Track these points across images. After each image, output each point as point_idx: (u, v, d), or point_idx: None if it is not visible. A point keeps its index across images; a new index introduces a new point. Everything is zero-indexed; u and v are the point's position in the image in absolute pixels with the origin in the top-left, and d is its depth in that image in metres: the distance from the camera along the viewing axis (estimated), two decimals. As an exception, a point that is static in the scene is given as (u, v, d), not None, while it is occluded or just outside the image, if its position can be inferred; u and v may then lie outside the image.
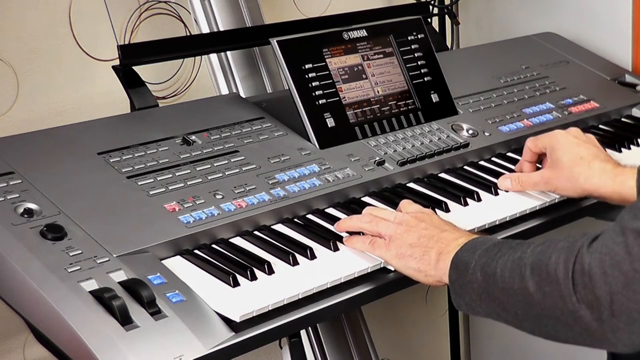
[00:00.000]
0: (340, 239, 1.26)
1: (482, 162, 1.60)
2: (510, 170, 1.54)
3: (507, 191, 1.45)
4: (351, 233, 1.27)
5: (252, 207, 1.29)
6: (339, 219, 1.33)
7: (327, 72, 1.52)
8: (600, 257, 0.94)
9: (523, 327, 1.06)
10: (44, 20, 1.67)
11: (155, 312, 1.04)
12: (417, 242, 1.19)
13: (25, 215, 1.16)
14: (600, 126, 1.83)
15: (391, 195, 1.42)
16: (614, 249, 0.94)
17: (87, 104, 1.74)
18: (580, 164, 1.35)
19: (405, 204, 1.29)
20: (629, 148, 1.72)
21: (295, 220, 1.32)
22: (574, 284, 0.96)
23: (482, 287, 1.07)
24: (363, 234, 1.25)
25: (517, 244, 1.08)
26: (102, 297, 1.03)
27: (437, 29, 2.20)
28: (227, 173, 1.34)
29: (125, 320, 1.02)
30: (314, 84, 1.50)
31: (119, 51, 1.50)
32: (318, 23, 1.69)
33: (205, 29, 1.69)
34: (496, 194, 1.46)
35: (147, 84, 1.54)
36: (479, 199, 1.43)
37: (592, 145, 1.39)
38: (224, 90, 1.69)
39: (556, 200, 1.44)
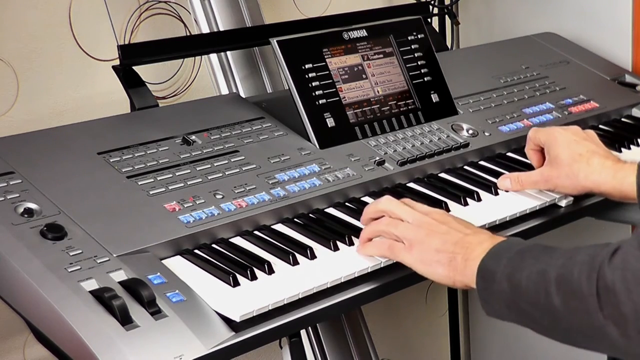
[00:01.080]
0: (341, 238, 1.26)
1: (482, 162, 1.60)
2: (511, 170, 1.54)
3: (506, 191, 1.45)
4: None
5: (252, 207, 1.29)
6: (339, 219, 1.34)
7: (327, 72, 1.52)
8: (623, 274, 0.94)
9: (554, 338, 1.06)
10: (44, 20, 1.67)
11: (156, 312, 1.04)
12: (443, 247, 1.17)
13: (25, 215, 1.16)
14: (600, 126, 1.83)
15: (391, 195, 1.42)
16: (635, 265, 0.94)
17: (87, 104, 1.74)
18: (579, 161, 1.35)
19: (408, 203, 1.28)
20: (629, 148, 1.72)
21: (295, 220, 1.32)
22: (599, 301, 0.96)
23: (509, 298, 1.07)
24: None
25: (539, 253, 1.07)
26: (102, 296, 1.03)
27: (437, 29, 2.20)
28: (227, 173, 1.34)
29: (125, 320, 1.01)
30: (314, 84, 1.50)
31: (119, 51, 1.50)
32: (318, 23, 1.69)
33: (205, 29, 1.69)
34: (496, 194, 1.46)
35: (147, 84, 1.54)
36: (479, 199, 1.43)
37: (591, 142, 1.39)
38: (224, 90, 1.69)
39: (556, 200, 1.44)
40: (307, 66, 1.50)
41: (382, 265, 1.22)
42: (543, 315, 1.03)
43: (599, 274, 0.96)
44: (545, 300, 1.02)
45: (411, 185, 1.49)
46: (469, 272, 1.13)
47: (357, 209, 1.37)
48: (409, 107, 1.61)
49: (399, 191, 1.45)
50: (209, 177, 1.32)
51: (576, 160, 1.35)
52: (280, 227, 1.30)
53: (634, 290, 0.93)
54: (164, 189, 1.27)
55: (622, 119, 1.87)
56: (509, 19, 2.27)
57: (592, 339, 0.99)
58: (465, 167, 1.57)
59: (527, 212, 1.41)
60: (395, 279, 1.22)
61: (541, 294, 1.02)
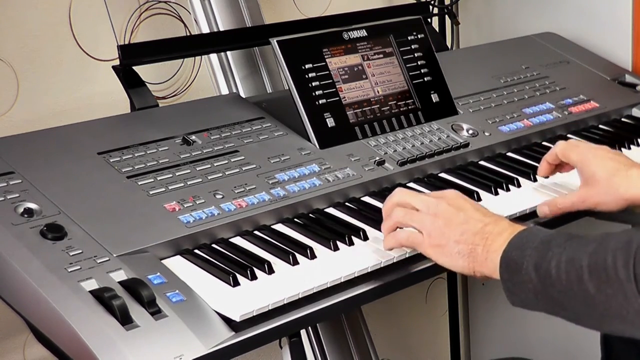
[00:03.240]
0: (341, 238, 1.26)
1: (482, 162, 1.60)
2: (511, 170, 1.54)
3: (545, 217, 1.40)
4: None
5: (252, 207, 1.29)
6: (339, 219, 1.34)
7: (327, 72, 1.52)
8: None
9: (587, 325, 1.06)
10: (44, 20, 1.67)
11: (156, 312, 1.04)
12: (462, 238, 1.17)
13: (25, 215, 1.16)
14: (600, 126, 1.83)
15: (391, 195, 1.42)
16: None
17: (87, 104, 1.74)
18: (618, 175, 1.33)
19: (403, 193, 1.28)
20: (629, 148, 1.72)
21: (295, 220, 1.32)
22: (638, 286, 0.97)
23: (538, 287, 1.07)
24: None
25: (565, 241, 1.07)
26: (102, 296, 1.03)
27: (437, 29, 2.20)
28: (227, 173, 1.34)
29: (125, 320, 1.01)
30: (314, 84, 1.50)
31: (119, 51, 1.50)
32: (318, 23, 1.69)
33: (205, 29, 1.69)
34: (496, 193, 1.46)
35: (147, 84, 1.54)
36: (479, 199, 1.43)
37: (623, 156, 1.38)
38: (224, 90, 1.69)
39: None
40: (307, 66, 1.50)
41: (382, 265, 1.22)
42: (576, 303, 1.04)
43: (636, 259, 0.97)
44: (578, 288, 1.02)
45: (411, 185, 1.48)
46: (490, 264, 1.14)
47: (357, 209, 1.38)
48: (409, 107, 1.61)
49: (399, 191, 1.45)
50: (209, 177, 1.32)
51: (614, 175, 1.33)
52: (280, 227, 1.30)
53: None
54: (164, 189, 1.27)
55: (622, 119, 1.88)
56: (509, 19, 2.27)
57: (632, 324, 1.00)
58: (465, 167, 1.57)
59: (527, 211, 1.41)
60: (395, 279, 1.22)
61: (574, 281, 1.03)
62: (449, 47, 2.23)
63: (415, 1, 2.10)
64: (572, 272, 1.03)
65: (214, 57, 1.70)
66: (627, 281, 0.98)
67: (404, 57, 1.63)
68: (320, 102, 1.50)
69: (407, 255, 1.24)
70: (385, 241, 1.24)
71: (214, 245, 1.22)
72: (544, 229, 1.14)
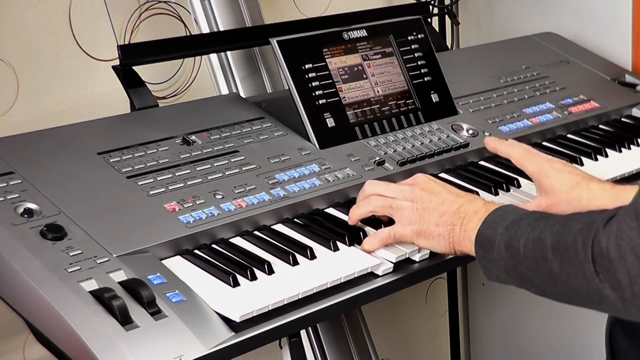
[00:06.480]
0: (341, 238, 1.26)
1: (482, 162, 1.60)
2: (511, 170, 1.54)
3: None
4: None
5: (252, 207, 1.29)
6: (339, 218, 1.34)
7: (327, 72, 1.52)
8: (617, 242, 0.97)
9: (554, 299, 1.10)
10: (44, 20, 1.67)
11: (155, 312, 1.04)
12: (441, 220, 1.21)
13: (25, 215, 1.16)
14: (600, 126, 1.83)
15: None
16: (629, 234, 0.97)
17: (87, 104, 1.74)
18: (578, 188, 1.31)
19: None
20: (629, 148, 1.72)
21: (295, 220, 1.32)
22: (595, 266, 0.99)
23: (509, 264, 1.11)
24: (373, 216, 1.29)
25: (534, 220, 1.11)
26: (102, 297, 1.03)
27: (437, 29, 2.20)
28: (227, 173, 1.34)
29: (125, 320, 1.02)
30: (314, 84, 1.50)
31: (119, 51, 1.50)
32: (318, 23, 1.69)
33: (205, 29, 1.69)
34: (496, 193, 1.46)
35: (147, 84, 1.54)
36: (479, 199, 1.43)
37: (579, 170, 1.37)
38: (224, 90, 1.69)
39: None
40: (307, 66, 1.50)
41: (381, 266, 1.22)
42: (542, 280, 1.08)
43: (594, 241, 1.00)
44: (544, 266, 1.06)
45: (411, 185, 1.48)
46: (468, 242, 1.18)
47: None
48: (409, 107, 1.61)
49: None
50: (209, 177, 1.32)
51: (574, 188, 1.32)
52: (280, 227, 1.30)
53: (628, 259, 0.96)
54: (164, 189, 1.27)
55: (622, 119, 1.88)
56: (509, 19, 2.27)
57: (591, 301, 1.03)
58: (465, 167, 1.57)
59: (527, 212, 1.41)
60: (395, 279, 1.22)
61: (539, 260, 1.06)
62: (449, 47, 2.23)
63: (415, 1, 2.10)
64: (538, 251, 1.07)
65: (214, 57, 1.70)
66: (585, 261, 1.00)
67: (404, 57, 1.63)
68: (320, 102, 1.50)
69: (406, 256, 1.24)
70: (367, 244, 1.24)
71: (214, 246, 1.22)
72: (517, 208, 1.18)
